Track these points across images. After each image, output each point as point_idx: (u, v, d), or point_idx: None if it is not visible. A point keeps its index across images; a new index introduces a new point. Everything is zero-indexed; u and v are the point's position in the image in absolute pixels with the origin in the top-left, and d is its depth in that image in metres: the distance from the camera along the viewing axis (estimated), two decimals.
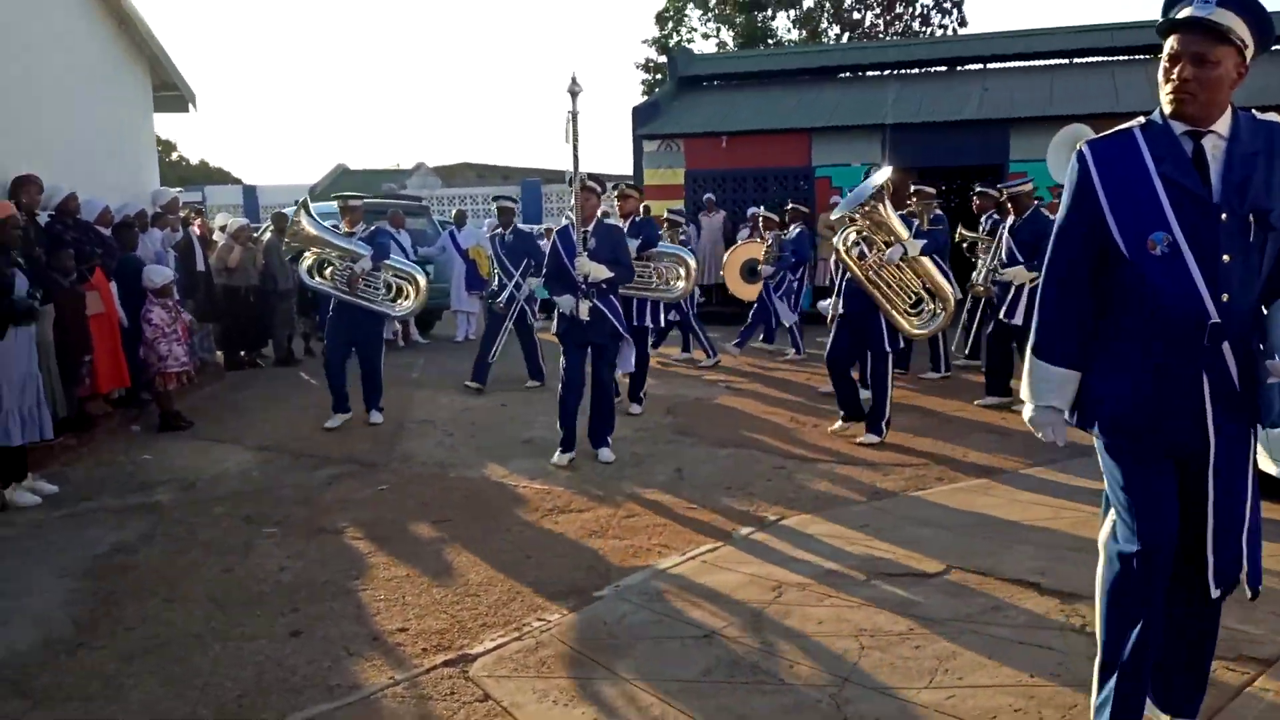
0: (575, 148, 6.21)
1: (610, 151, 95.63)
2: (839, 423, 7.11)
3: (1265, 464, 4.87)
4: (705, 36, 29.05)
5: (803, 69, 19.17)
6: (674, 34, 28.78)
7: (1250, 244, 2.43)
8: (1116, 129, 2.58)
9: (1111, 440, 2.59)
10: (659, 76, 25.74)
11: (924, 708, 3.06)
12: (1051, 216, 7.61)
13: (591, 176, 6.45)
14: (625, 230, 7.27)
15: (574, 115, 6.14)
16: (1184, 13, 2.39)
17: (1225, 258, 2.40)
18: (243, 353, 11.08)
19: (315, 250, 7.69)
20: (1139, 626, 2.51)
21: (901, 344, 7.21)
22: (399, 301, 7.97)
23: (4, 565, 4.78)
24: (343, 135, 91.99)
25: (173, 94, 10.87)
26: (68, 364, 6.93)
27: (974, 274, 9.15)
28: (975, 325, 9.76)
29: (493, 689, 3.29)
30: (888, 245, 6.72)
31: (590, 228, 6.35)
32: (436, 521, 5.28)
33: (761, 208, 12.42)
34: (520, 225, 9.30)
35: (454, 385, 9.25)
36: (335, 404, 7.72)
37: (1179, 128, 2.46)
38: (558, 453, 6.42)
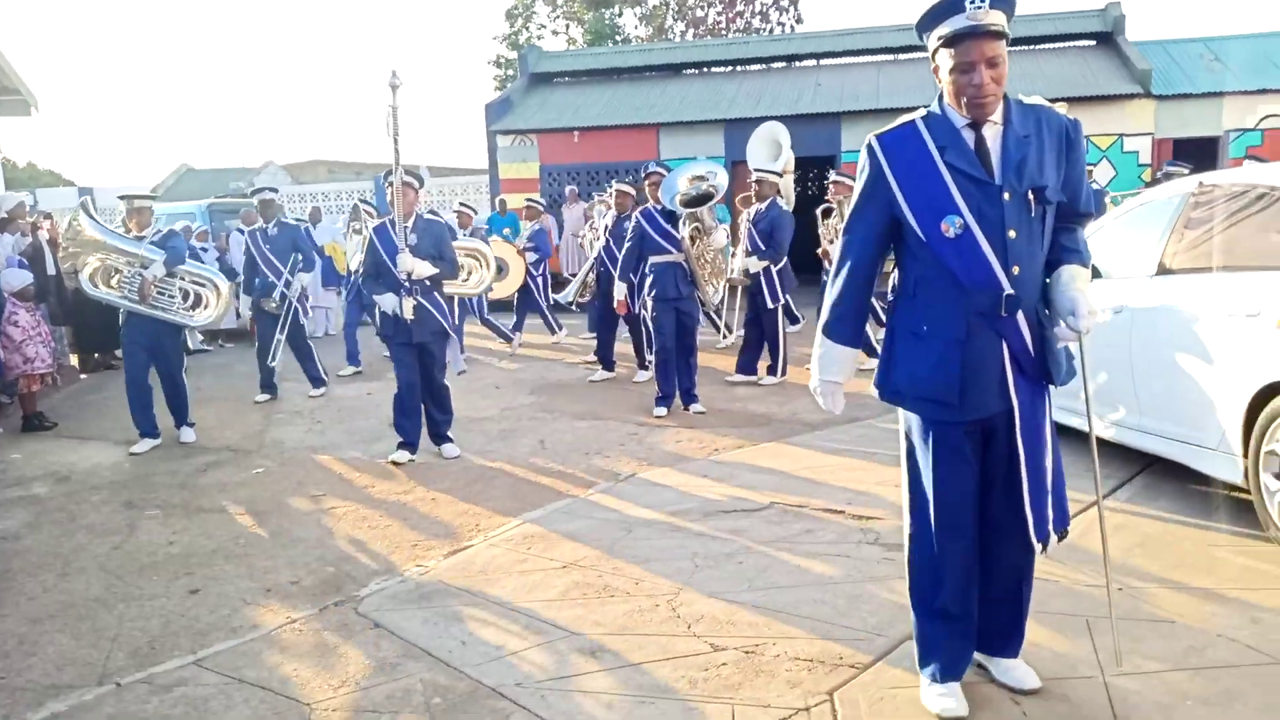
0: (396, 141, 6.11)
1: (465, 146, 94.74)
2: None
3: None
4: (555, 33, 29.55)
5: (650, 65, 19.93)
6: (524, 30, 29.16)
7: (1032, 219, 2.64)
8: (899, 121, 2.74)
9: (922, 412, 2.77)
10: (510, 73, 26.08)
11: (743, 604, 3.73)
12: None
13: (406, 170, 6.26)
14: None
15: (394, 109, 6.05)
16: (964, 22, 2.53)
17: (1011, 234, 2.60)
18: (96, 354, 11.03)
19: (100, 256, 6.99)
20: (943, 596, 2.83)
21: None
22: (198, 310, 7.28)
23: None
24: (185, 135, 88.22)
25: (14, 98, 10.70)
26: None
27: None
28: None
29: (381, 619, 3.80)
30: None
31: (410, 223, 6.23)
32: (313, 496, 5.68)
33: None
34: (284, 218, 8.87)
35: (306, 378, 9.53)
36: (141, 429, 7.01)
37: (959, 120, 2.64)
38: (396, 450, 6.35)
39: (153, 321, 6.96)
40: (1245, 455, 4.13)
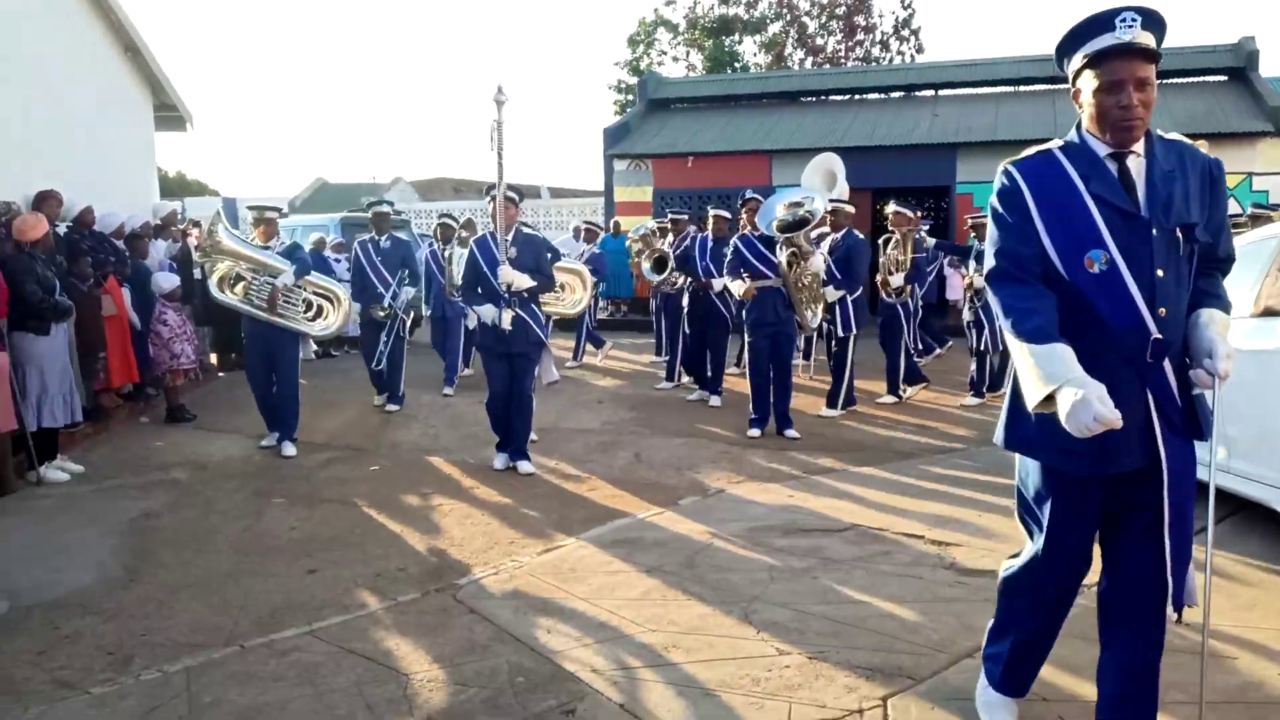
0: (500, 156, 6.19)
1: (583, 169, 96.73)
2: None
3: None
4: (675, 60, 30.06)
5: (766, 93, 20.18)
6: (644, 56, 29.77)
7: (1180, 258, 2.46)
8: (1036, 150, 2.56)
9: (1056, 463, 2.54)
10: (630, 98, 26.65)
11: (813, 615, 3.93)
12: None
13: (508, 186, 6.40)
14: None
15: (499, 124, 6.13)
16: (1112, 40, 2.38)
17: (1160, 273, 2.41)
18: (233, 354, 11.82)
19: (230, 263, 7.24)
20: (1042, 637, 2.81)
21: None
22: (318, 320, 7.51)
23: (51, 527, 5.54)
24: (321, 149, 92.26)
25: (172, 114, 11.65)
26: (85, 361, 7.69)
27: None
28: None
29: (476, 606, 4.13)
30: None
31: (511, 236, 6.39)
32: (423, 493, 6.09)
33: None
34: (396, 234, 9.16)
35: (433, 385, 10.03)
36: (268, 424, 7.44)
37: (1102, 149, 2.47)
38: (496, 456, 6.67)
39: (273, 330, 7.17)
40: None
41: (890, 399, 8.97)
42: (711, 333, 9.03)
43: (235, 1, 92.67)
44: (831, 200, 8.87)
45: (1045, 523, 2.61)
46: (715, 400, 8.95)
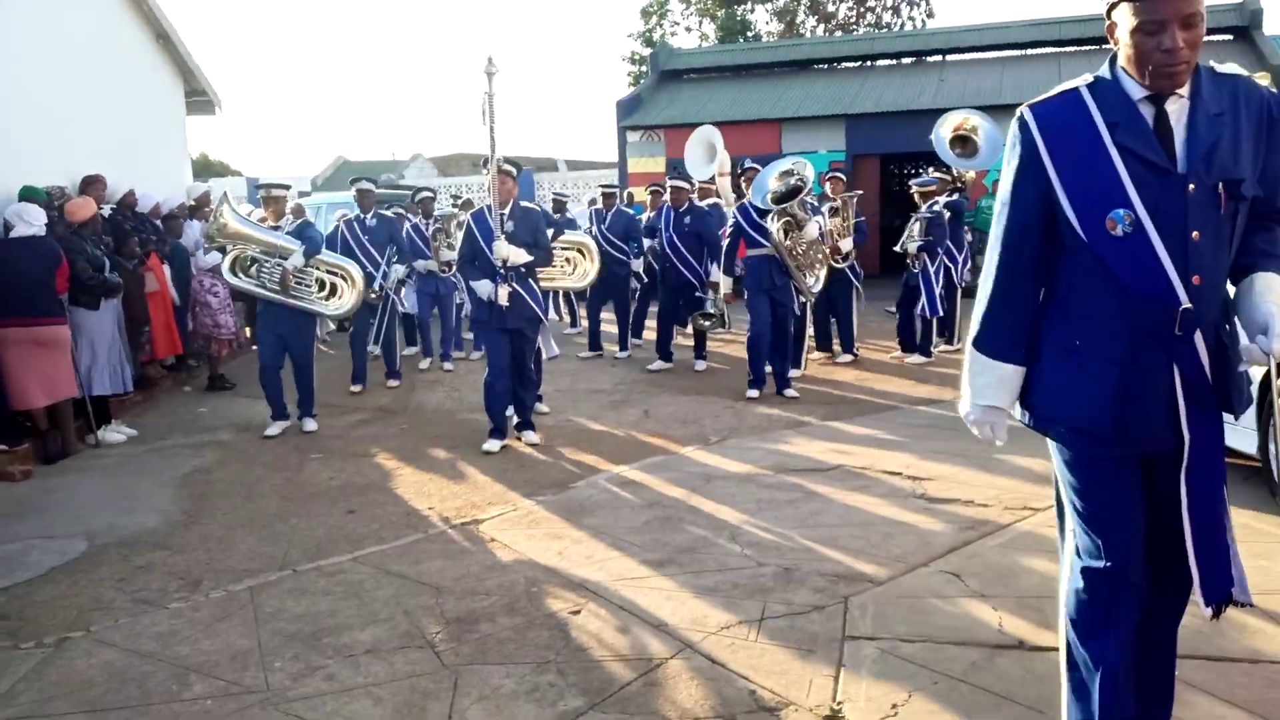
0: (492, 129, 6.11)
1: (596, 141, 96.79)
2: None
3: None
4: (688, 30, 30.37)
5: (777, 61, 20.51)
6: (658, 27, 30.05)
7: (1221, 218, 2.14)
8: (1059, 89, 2.28)
9: (1071, 444, 2.31)
10: (643, 69, 26.98)
11: (792, 536, 4.46)
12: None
13: (507, 161, 6.36)
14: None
15: (490, 96, 6.06)
16: None
17: (1194, 235, 2.12)
18: None
19: (239, 246, 7.12)
20: (1111, 654, 2.30)
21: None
22: (332, 299, 7.30)
23: (114, 480, 6.14)
24: (342, 128, 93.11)
25: (201, 99, 12.19)
26: (131, 334, 8.28)
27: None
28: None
29: (496, 534, 4.69)
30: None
31: (507, 210, 6.30)
32: (449, 448, 6.63)
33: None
34: (381, 210, 9.06)
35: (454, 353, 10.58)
36: (273, 411, 7.24)
37: (1137, 90, 2.16)
38: (488, 440, 6.44)
39: (288, 310, 7.07)
40: None
41: (847, 357, 9.39)
42: (671, 295, 9.35)
43: None
44: (672, 181, 9.37)
45: (1081, 510, 2.32)
46: (701, 364, 9.26)
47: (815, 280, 8.43)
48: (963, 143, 9.87)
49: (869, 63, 20.08)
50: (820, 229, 8.00)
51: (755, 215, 7.84)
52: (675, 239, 9.14)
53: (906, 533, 4.46)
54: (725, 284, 8.45)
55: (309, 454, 6.63)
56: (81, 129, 9.05)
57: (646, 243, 9.94)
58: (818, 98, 18.05)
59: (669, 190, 9.40)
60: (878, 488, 5.23)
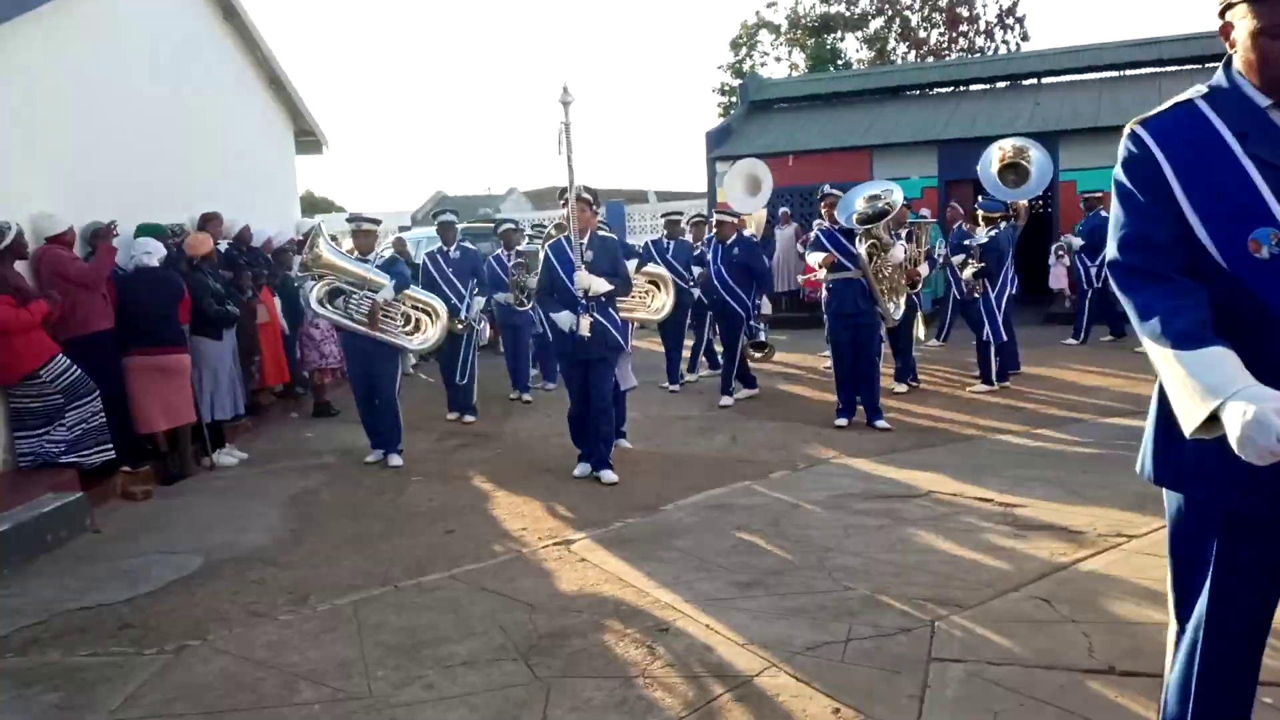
0: (569, 159, 6.09)
1: (687, 172, 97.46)
2: None
3: None
4: (777, 60, 30.50)
5: (867, 89, 20.46)
6: (747, 58, 30.26)
7: None
8: (1170, 104, 2.06)
9: (1207, 499, 2.03)
10: (733, 100, 27.19)
11: (880, 560, 4.48)
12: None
13: (586, 190, 6.35)
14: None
15: (566, 126, 6.04)
16: None
17: None
18: None
19: (330, 279, 7.16)
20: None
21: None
22: (417, 334, 7.39)
23: (227, 501, 6.48)
24: (439, 163, 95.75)
25: (309, 139, 12.78)
26: (243, 362, 8.71)
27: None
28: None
29: (587, 555, 4.83)
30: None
31: (586, 240, 6.31)
32: (542, 471, 6.81)
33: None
34: (464, 243, 9.12)
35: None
36: (372, 440, 7.39)
37: (1262, 99, 1.94)
38: (578, 464, 6.56)
39: (372, 343, 7.10)
40: None
41: (903, 387, 9.21)
42: (728, 330, 9.22)
43: (357, 26, 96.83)
44: (718, 214, 9.26)
45: (1208, 586, 2.03)
46: (727, 400, 9.03)
47: (896, 307, 8.34)
48: (1014, 169, 9.73)
49: (962, 87, 19.88)
50: (905, 252, 7.97)
51: (841, 238, 7.83)
52: (723, 271, 9.07)
53: (996, 558, 4.44)
54: (768, 309, 8.41)
55: (410, 476, 6.88)
56: (200, 168, 9.60)
57: (696, 271, 9.87)
58: (909, 124, 17.93)
59: (715, 223, 9.39)
60: (967, 514, 5.21)
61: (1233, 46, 2.00)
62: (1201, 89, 2.04)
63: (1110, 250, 2.06)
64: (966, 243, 9.49)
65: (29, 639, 4.15)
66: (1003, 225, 9.32)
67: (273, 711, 3.36)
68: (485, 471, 6.89)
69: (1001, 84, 19.43)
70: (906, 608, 3.91)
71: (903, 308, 8.38)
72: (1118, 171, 2.06)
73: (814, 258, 8.04)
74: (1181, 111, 2.02)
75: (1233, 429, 1.76)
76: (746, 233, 9.73)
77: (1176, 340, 1.89)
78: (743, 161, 10.87)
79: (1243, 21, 1.94)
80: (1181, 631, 2.15)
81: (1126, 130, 2.06)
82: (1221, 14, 2.00)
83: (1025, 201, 10.11)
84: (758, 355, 8.94)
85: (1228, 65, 2.02)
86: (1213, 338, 1.86)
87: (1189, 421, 1.86)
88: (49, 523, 5.51)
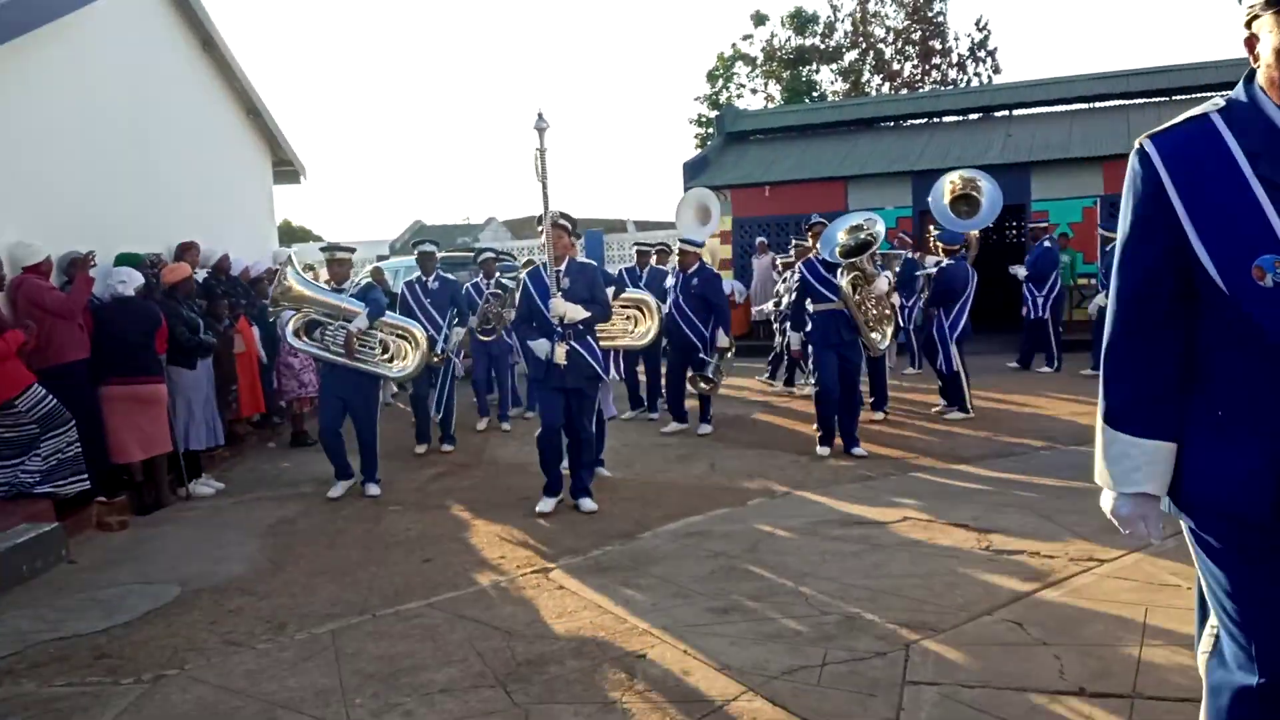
0: (544, 184, 6.04)
1: (665, 201, 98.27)
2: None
3: None
4: (753, 91, 30.89)
5: (842, 121, 20.74)
6: (724, 90, 30.62)
7: None
8: (1184, 117, 1.97)
9: (1215, 530, 1.98)
10: (710, 131, 27.47)
11: (855, 586, 4.52)
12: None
13: (562, 216, 6.28)
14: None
15: (542, 152, 6.00)
16: None
17: None
18: None
19: (304, 310, 7.15)
20: None
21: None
22: (396, 361, 7.32)
23: (204, 531, 6.45)
24: (418, 192, 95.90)
25: (287, 169, 12.82)
26: (220, 392, 8.69)
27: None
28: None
29: (565, 582, 4.85)
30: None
31: (563, 267, 6.25)
32: (520, 499, 6.81)
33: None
34: (442, 273, 9.04)
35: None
36: (336, 472, 7.23)
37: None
38: (542, 499, 6.37)
39: (351, 373, 7.06)
40: None
41: (879, 415, 9.34)
42: (679, 358, 9.19)
43: (335, 57, 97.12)
44: (680, 243, 9.33)
45: (1229, 612, 1.98)
46: (705, 428, 9.06)
47: (882, 337, 8.44)
48: (966, 200, 9.93)
49: (935, 119, 20.20)
50: (889, 284, 8.07)
51: (822, 270, 7.91)
52: (681, 301, 9.02)
53: (970, 583, 4.50)
54: (795, 340, 8.47)
55: (388, 506, 6.87)
56: (178, 198, 9.62)
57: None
58: (883, 155, 18.19)
59: (678, 253, 9.37)
60: (943, 540, 5.27)
61: (1256, 60, 1.91)
62: (1219, 102, 1.95)
63: (1114, 275, 2.07)
64: (917, 273, 9.65)
65: (3, 670, 4.12)
66: (960, 255, 9.47)
67: None
68: (463, 500, 6.90)
69: (974, 115, 19.74)
70: (882, 631, 3.95)
71: (888, 338, 8.47)
72: (1124, 187, 2.03)
73: (794, 339, 8.33)
74: (1194, 127, 1.94)
75: (1104, 504, 2.15)
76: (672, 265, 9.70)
77: (1106, 413, 2.08)
78: (692, 191, 10.95)
79: (1269, 35, 1.85)
80: (1212, 664, 2.10)
81: (1135, 146, 2.00)
82: (1248, 24, 1.90)
83: (975, 233, 10.31)
84: (705, 387, 8.97)
85: (1249, 80, 1.93)
86: (1140, 419, 2.02)
87: (1098, 479, 2.14)
88: (24, 553, 5.47)
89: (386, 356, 7.30)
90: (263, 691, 3.74)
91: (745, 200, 18.32)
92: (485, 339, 9.79)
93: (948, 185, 9.94)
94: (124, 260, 7.53)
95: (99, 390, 6.86)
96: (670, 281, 9.37)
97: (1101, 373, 2.10)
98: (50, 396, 6.37)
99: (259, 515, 6.77)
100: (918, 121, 20.37)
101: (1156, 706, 3.25)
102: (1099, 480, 2.11)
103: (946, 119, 20.15)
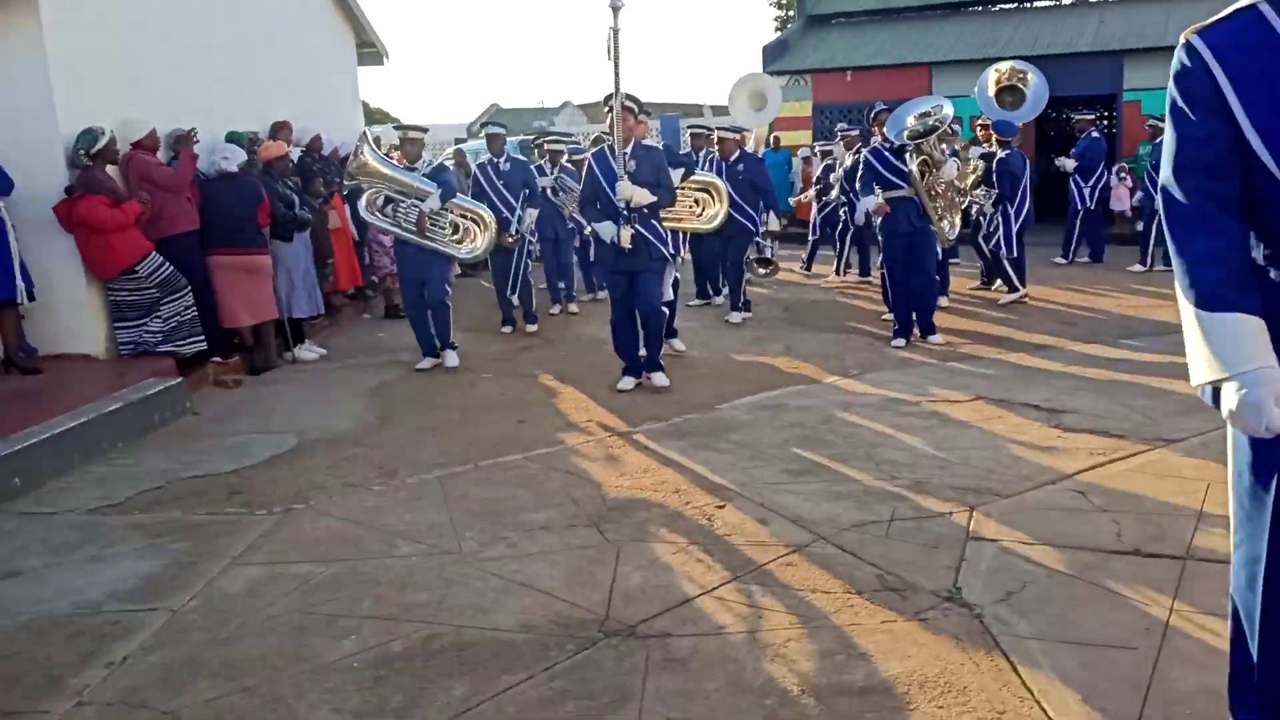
0: (616, 66, 5.96)
1: None
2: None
3: None
4: None
5: (927, 4, 20.09)
6: None
7: None
8: (1230, 10, 1.90)
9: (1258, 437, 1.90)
10: (790, 14, 26.77)
11: (925, 455, 4.80)
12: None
13: (632, 98, 6.24)
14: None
15: (615, 32, 5.89)
16: None
17: None
18: None
19: (378, 186, 7.33)
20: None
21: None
22: (465, 242, 7.52)
23: (312, 390, 6.93)
24: (495, 75, 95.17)
25: (370, 50, 13.00)
26: (317, 266, 9.12)
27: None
28: None
29: (647, 443, 5.21)
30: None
31: (629, 150, 6.23)
32: (604, 372, 7.15)
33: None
34: (513, 154, 8.86)
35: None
36: (423, 349, 7.50)
37: None
38: (621, 378, 6.56)
39: (423, 252, 7.26)
40: None
41: (1010, 296, 9.53)
42: (735, 248, 9.01)
43: None
44: (720, 130, 9.17)
45: (1267, 528, 1.98)
46: (736, 316, 9.01)
47: (951, 226, 8.35)
48: (1011, 91, 9.79)
49: (1024, 4, 19.46)
50: (958, 168, 8.02)
51: (891, 156, 7.79)
52: (730, 189, 8.78)
53: (1037, 456, 4.73)
54: (870, 203, 8.09)
55: (480, 373, 7.28)
56: (269, 79, 9.89)
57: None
58: (969, 41, 17.66)
59: (717, 141, 9.22)
60: (1013, 417, 5.48)
61: None
62: None
63: (1163, 172, 1.98)
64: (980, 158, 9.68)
65: (152, 500, 4.64)
66: (1014, 148, 9.54)
67: (376, 561, 3.79)
68: (551, 370, 7.27)
69: (1066, 1, 19.00)
70: (948, 495, 4.23)
71: (958, 226, 8.47)
72: (1171, 86, 1.95)
73: (869, 203, 7.82)
74: (1243, 20, 1.87)
75: (1227, 402, 1.83)
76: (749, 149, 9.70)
77: (1199, 299, 1.89)
78: (748, 75, 10.76)
79: None
80: (1237, 579, 2.11)
81: (1181, 40, 1.93)
82: None
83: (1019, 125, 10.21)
84: (763, 272, 9.09)
85: None
86: (1235, 299, 1.85)
87: (1195, 378, 1.92)
88: (154, 404, 6.00)
89: (456, 237, 7.49)
90: (382, 523, 4.18)
91: (827, 86, 18.01)
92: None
93: (993, 75, 9.85)
94: (229, 138, 7.88)
95: (208, 260, 7.31)
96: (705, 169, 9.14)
97: (1179, 265, 1.95)
98: (167, 263, 6.85)
99: (362, 379, 7.23)
100: (1007, 6, 19.64)
101: (1207, 568, 3.48)
102: (1206, 376, 1.89)
103: (1037, 4, 19.41)
